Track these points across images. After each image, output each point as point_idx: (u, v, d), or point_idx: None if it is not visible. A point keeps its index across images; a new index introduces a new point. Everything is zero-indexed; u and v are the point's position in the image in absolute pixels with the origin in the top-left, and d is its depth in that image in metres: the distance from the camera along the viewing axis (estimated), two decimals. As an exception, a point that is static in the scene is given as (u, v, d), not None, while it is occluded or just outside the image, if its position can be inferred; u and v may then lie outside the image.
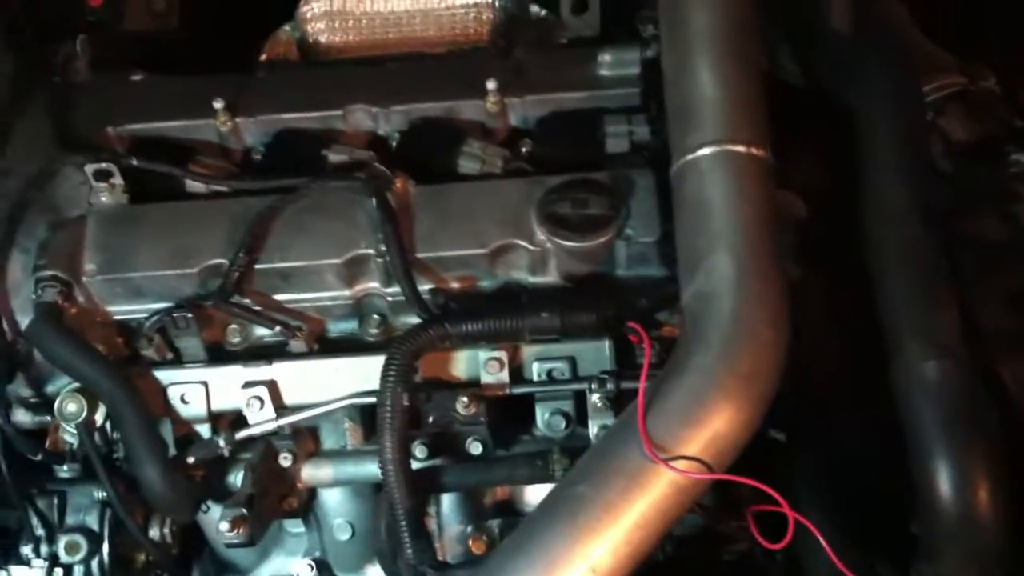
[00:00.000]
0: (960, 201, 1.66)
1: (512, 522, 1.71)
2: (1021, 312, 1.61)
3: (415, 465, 1.58)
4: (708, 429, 1.32)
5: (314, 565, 1.80)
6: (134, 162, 1.73)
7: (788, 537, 1.34)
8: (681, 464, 1.31)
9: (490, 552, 1.67)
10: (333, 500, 1.78)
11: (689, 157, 1.46)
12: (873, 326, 1.54)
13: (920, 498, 1.42)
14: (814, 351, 1.62)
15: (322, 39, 2.04)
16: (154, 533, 1.67)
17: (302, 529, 1.83)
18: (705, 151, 1.44)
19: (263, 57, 2.10)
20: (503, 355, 1.62)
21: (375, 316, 1.71)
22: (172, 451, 1.63)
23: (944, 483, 1.38)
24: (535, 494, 1.73)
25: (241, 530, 1.55)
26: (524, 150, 1.80)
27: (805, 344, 1.44)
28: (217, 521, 1.57)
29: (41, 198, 1.74)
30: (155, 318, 1.65)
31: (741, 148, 1.44)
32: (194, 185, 1.77)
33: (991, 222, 1.68)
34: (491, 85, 1.77)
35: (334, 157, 1.77)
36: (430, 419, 1.61)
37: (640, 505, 1.32)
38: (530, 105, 1.82)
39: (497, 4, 2.00)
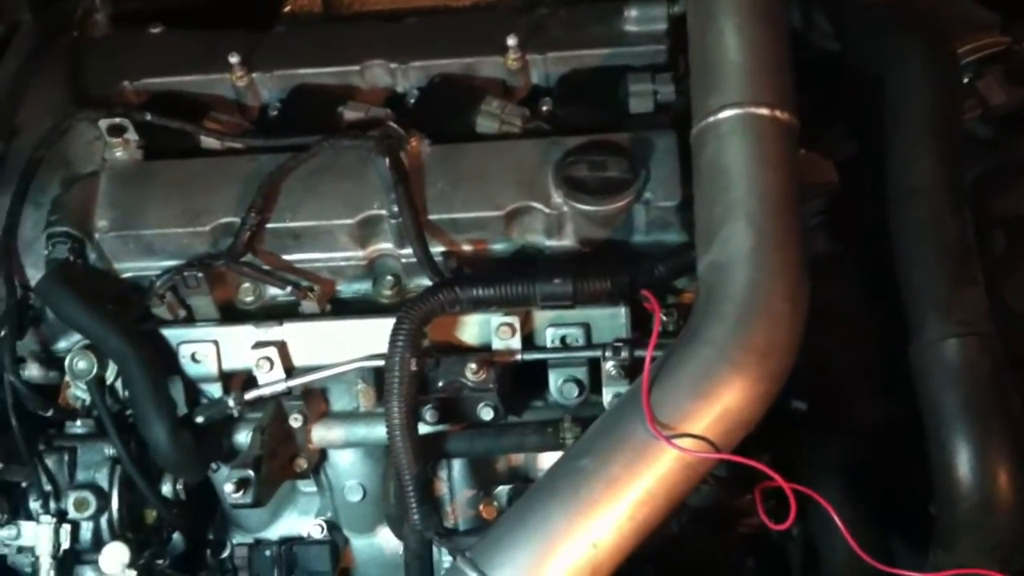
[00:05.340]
0: (995, 172, 1.58)
1: (523, 488, 1.68)
2: (1051, 289, 1.55)
3: (424, 430, 1.57)
4: (717, 404, 1.28)
5: (324, 526, 1.79)
6: (148, 117, 1.72)
7: (792, 515, 1.30)
8: (687, 441, 1.27)
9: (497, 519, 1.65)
10: (345, 462, 1.77)
11: (710, 119, 1.40)
12: (894, 303, 1.48)
13: (937, 483, 1.37)
14: (838, 327, 1.56)
15: (345, -9, 2.00)
16: (166, 490, 1.67)
17: (314, 489, 1.82)
18: (727, 113, 1.39)
19: (287, 9, 2.06)
20: (515, 320, 1.59)
21: (389, 277, 1.69)
22: (182, 410, 1.63)
23: (963, 469, 1.33)
24: (547, 461, 1.71)
25: (247, 491, 1.54)
26: (544, 109, 1.75)
27: (828, 319, 1.39)
28: (223, 482, 1.57)
29: (55, 154, 1.73)
30: (166, 276, 1.63)
31: (764, 111, 1.39)
32: (208, 142, 1.75)
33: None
34: (511, 41, 1.73)
35: (350, 114, 1.74)
36: (439, 384, 1.58)
37: (645, 481, 1.28)
38: (552, 62, 1.77)
39: (520, -41, 1.94)
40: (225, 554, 1.81)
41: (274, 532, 1.83)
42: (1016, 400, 1.36)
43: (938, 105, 1.50)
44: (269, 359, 1.62)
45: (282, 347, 1.63)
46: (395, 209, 1.60)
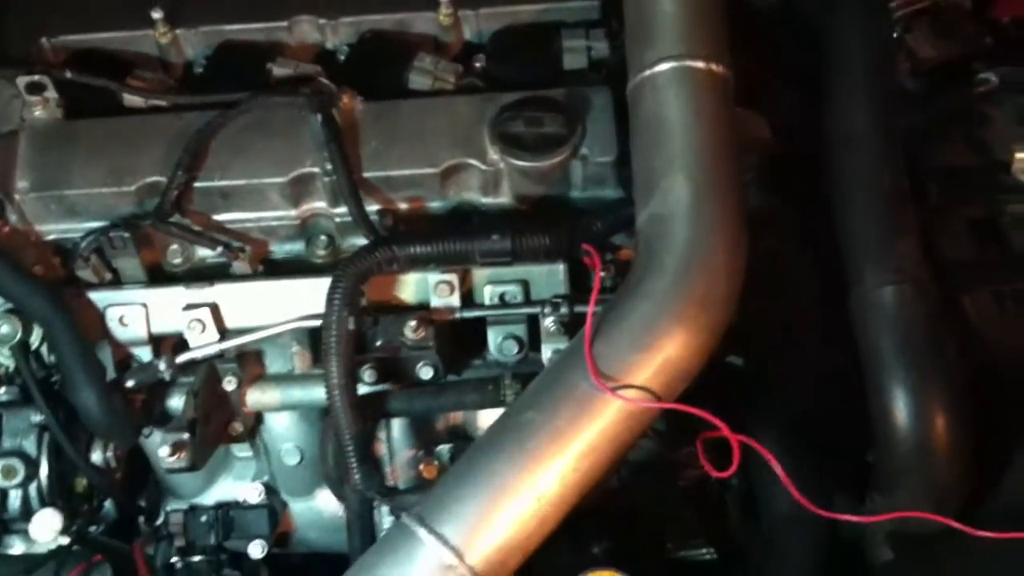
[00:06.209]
0: (926, 124, 1.61)
1: (464, 447, 1.67)
2: (983, 239, 1.57)
3: (363, 390, 1.55)
4: (659, 356, 1.28)
5: (263, 489, 1.76)
6: (68, 75, 1.66)
7: (735, 464, 1.31)
8: (630, 392, 1.27)
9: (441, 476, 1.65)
10: (281, 425, 1.74)
11: (646, 73, 1.41)
12: (834, 256, 1.50)
13: (875, 428, 1.39)
14: (775, 279, 1.58)
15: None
16: (96, 458, 1.62)
17: (250, 454, 1.79)
18: (663, 67, 1.39)
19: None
20: (453, 278, 1.58)
21: (322, 237, 1.66)
22: (111, 375, 1.58)
23: (900, 413, 1.35)
24: (487, 419, 1.70)
25: (182, 455, 1.52)
26: (478, 66, 1.74)
27: (766, 271, 1.40)
28: (157, 446, 1.53)
29: (-29, 113, 1.66)
30: (91, 237, 1.59)
31: (700, 64, 1.39)
32: (132, 100, 1.70)
33: (957, 147, 1.64)
34: (444, -4, 1.71)
35: (278, 71, 1.71)
36: (377, 344, 1.57)
37: (588, 433, 1.28)
38: (484, 18, 1.76)
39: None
40: (159, 521, 1.77)
41: (209, 498, 1.79)
42: (952, 345, 1.39)
43: (875, 55, 1.52)
44: (201, 321, 1.58)
45: (214, 309, 1.60)
46: (328, 167, 1.58)
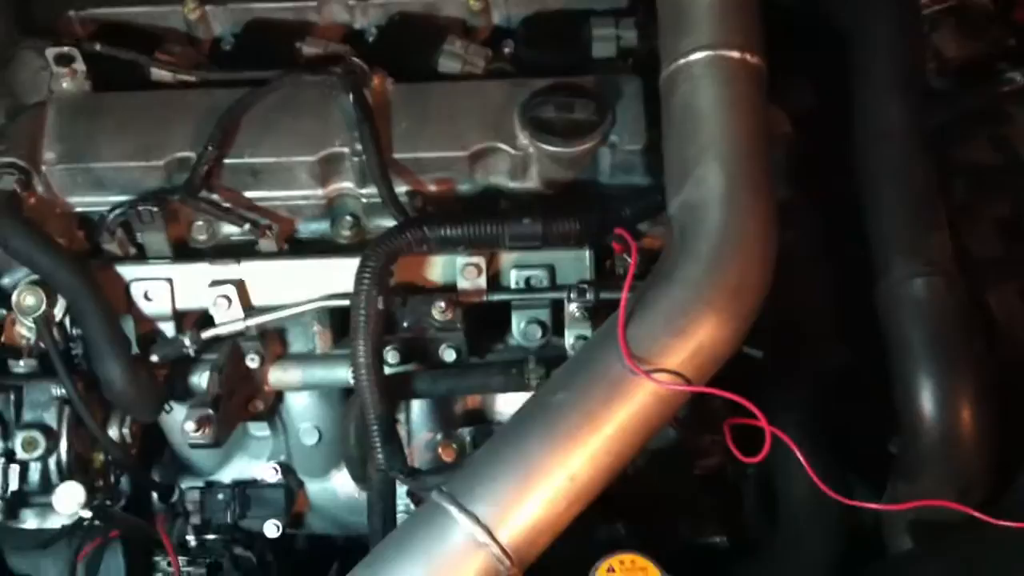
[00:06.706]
0: (952, 123, 1.63)
1: (483, 430, 1.68)
2: (1009, 238, 1.60)
3: (387, 371, 1.55)
4: (692, 341, 1.29)
5: (279, 468, 1.76)
6: (98, 47, 1.65)
7: (766, 450, 1.32)
8: (663, 376, 1.28)
9: (460, 459, 1.65)
10: (300, 404, 1.74)
11: (681, 62, 1.42)
12: (856, 247, 1.51)
13: (901, 416, 1.41)
14: (798, 270, 1.59)
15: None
16: (113, 433, 1.61)
17: (266, 432, 1.79)
18: (698, 55, 1.41)
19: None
20: (481, 261, 1.58)
21: (347, 217, 1.66)
22: (134, 350, 1.58)
23: (927, 400, 1.37)
24: (506, 403, 1.71)
25: (207, 431, 1.52)
26: (506, 51, 1.74)
27: (789, 263, 1.42)
28: (182, 421, 1.53)
29: (-1, 84, 1.66)
30: (119, 211, 1.58)
31: (735, 53, 1.40)
32: (160, 75, 1.69)
33: (983, 146, 1.66)
34: (475, -19, 1.71)
35: (308, 50, 1.71)
36: (404, 324, 1.57)
37: (621, 414, 1.29)
38: (514, 4, 1.76)
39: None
40: (174, 498, 1.76)
41: (224, 476, 1.79)
42: (981, 338, 1.40)
43: (908, 53, 1.53)
44: (227, 297, 1.58)
45: (240, 285, 1.59)
46: (358, 147, 1.58)
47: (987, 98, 1.69)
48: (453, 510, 1.28)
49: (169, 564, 1.67)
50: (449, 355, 1.60)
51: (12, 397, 1.56)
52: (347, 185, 1.63)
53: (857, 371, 1.61)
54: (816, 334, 1.64)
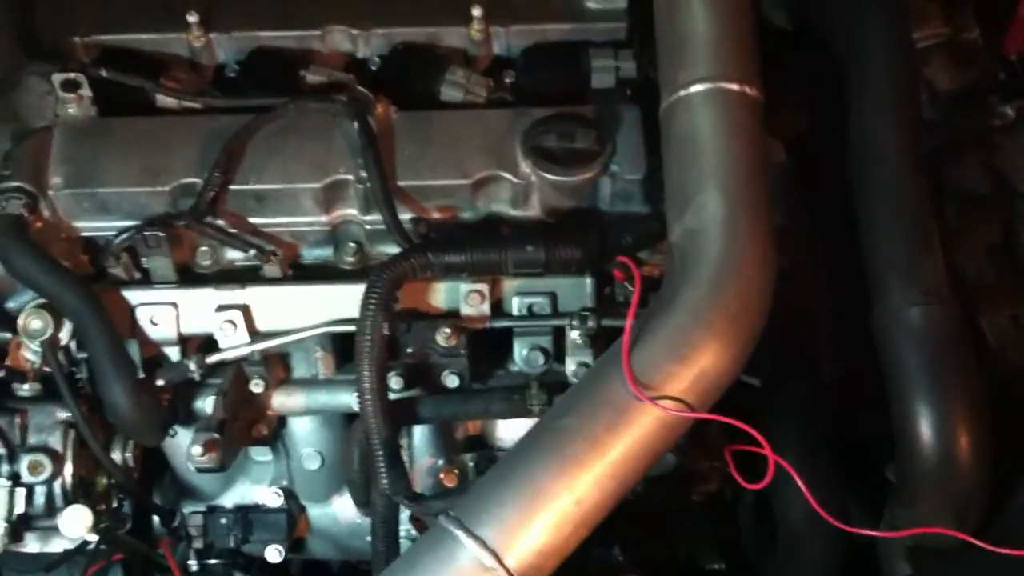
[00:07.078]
0: (944, 150, 1.66)
1: (485, 456, 1.70)
2: (1000, 263, 1.63)
3: (390, 396, 1.56)
4: (695, 367, 1.31)
5: (282, 493, 1.77)
6: (103, 73, 1.67)
7: (769, 477, 1.34)
8: (667, 402, 1.30)
9: (462, 485, 1.66)
10: (303, 429, 1.75)
11: (681, 93, 1.44)
12: (852, 272, 1.54)
13: (899, 441, 1.43)
14: (794, 295, 1.62)
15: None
16: (115, 456, 1.62)
17: (268, 457, 1.80)
18: (697, 88, 1.43)
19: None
20: (484, 287, 1.60)
21: (351, 244, 1.67)
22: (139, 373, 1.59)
23: (924, 426, 1.39)
24: (508, 429, 1.73)
25: (213, 455, 1.52)
26: (507, 80, 1.76)
27: (786, 288, 1.44)
28: (189, 445, 1.54)
29: (3, 107, 1.67)
30: (125, 235, 1.59)
31: (734, 86, 1.43)
32: (165, 101, 1.71)
33: (974, 172, 1.69)
34: (476, 12, 1.73)
35: (312, 78, 1.72)
36: (408, 349, 1.59)
37: (626, 439, 1.31)
38: (515, 35, 1.78)
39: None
40: (176, 522, 1.77)
41: (226, 500, 1.80)
42: (974, 365, 1.43)
43: (904, 77, 1.57)
44: (233, 322, 1.59)
45: (245, 311, 1.61)
46: (362, 174, 1.60)
47: (978, 127, 1.72)
48: (460, 534, 1.29)
49: (169, 587, 1.68)
50: (452, 381, 1.61)
51: (18, 420, 1.56)
52: (351, 212, 1.65)
53: (857, 390, 1.63)
54: (814, 354, 1.67)
